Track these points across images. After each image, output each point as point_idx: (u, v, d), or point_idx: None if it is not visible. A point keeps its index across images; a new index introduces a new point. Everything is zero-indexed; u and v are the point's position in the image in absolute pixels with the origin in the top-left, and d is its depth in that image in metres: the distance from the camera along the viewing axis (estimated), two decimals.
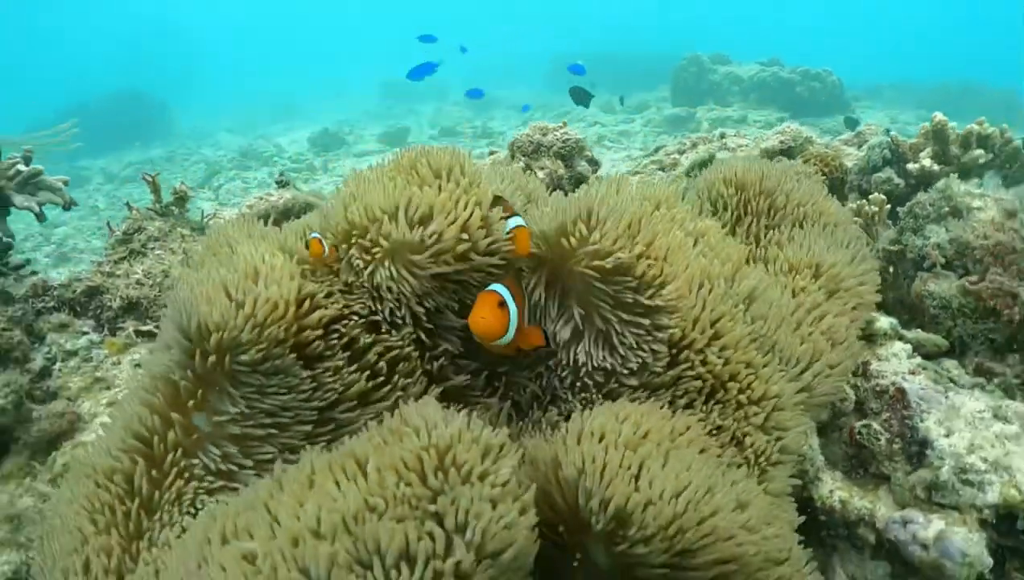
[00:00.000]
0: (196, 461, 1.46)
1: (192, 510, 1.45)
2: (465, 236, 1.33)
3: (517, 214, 1.42)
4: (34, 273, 2.78)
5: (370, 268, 1.40)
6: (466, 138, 14.56)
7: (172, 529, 1.46)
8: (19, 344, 2.27)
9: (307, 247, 1.37)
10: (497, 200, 1.42)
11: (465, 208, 1.33)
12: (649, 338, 1.37)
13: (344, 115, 17.65)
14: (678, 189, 1.75)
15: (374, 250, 1.40)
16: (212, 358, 1.35)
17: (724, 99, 14.05)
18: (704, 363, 1.38)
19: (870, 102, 14.86)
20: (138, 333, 2.42)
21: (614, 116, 14.56)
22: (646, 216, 1.47)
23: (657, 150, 4.91)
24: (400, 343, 1.46)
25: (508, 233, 1.39)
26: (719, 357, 1.37)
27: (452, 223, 1.32)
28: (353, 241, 1.43)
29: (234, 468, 1.42)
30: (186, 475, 1.46)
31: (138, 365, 2.35)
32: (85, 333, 2.38)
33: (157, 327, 2.33)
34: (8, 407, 2.11)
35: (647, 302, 1.36)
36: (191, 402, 1.42)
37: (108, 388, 2.31)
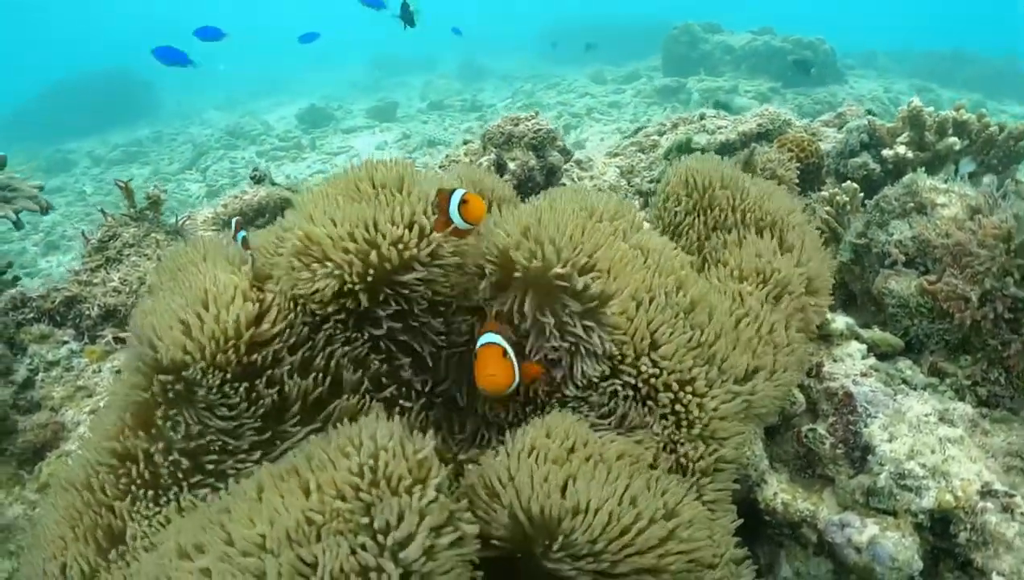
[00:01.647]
0: (162, 472, 1.53)
1: (160, 520, 1.53)
2: (402, 246, 1.39)
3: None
4: (16, 279, 2.81)
5: (316, 284, 1.45)
6: (455, 111, 14.40)
7: (141, 540, 1.54)
8: (1, 357, 2.32)
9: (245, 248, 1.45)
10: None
11: (401, 224, 1.38)
12: (591, 354, 1.42)
13: (332, 88, 17.40)
14: (622, 202, 1.79)
15: (314, 267, 1.45)
16: (169, 382, 1.42)
17: (716, 69, 13.87)
18: (640, 374, 1.43)
19: (864, 71, 14.68)
20: (117, 340, 2.47)
21: (604, 87, 14.41)
22: (590, 230, 1.51)
23: (637, 131, 4.90)
24: (348, 350, 1.52)
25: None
26: (656, 367, 1.42)
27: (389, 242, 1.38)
28: (303, 258, 1.48)
29: (195, 477, 1.50)
30: (154, 486, 1.54)
31: (118, 371, 2.41)
32: (65, 342, 2.43)
33: None
34: None
35: (592, 317, 1.40)
36: (155, 420, 1.50)
37: (90, 396, 2.37)
